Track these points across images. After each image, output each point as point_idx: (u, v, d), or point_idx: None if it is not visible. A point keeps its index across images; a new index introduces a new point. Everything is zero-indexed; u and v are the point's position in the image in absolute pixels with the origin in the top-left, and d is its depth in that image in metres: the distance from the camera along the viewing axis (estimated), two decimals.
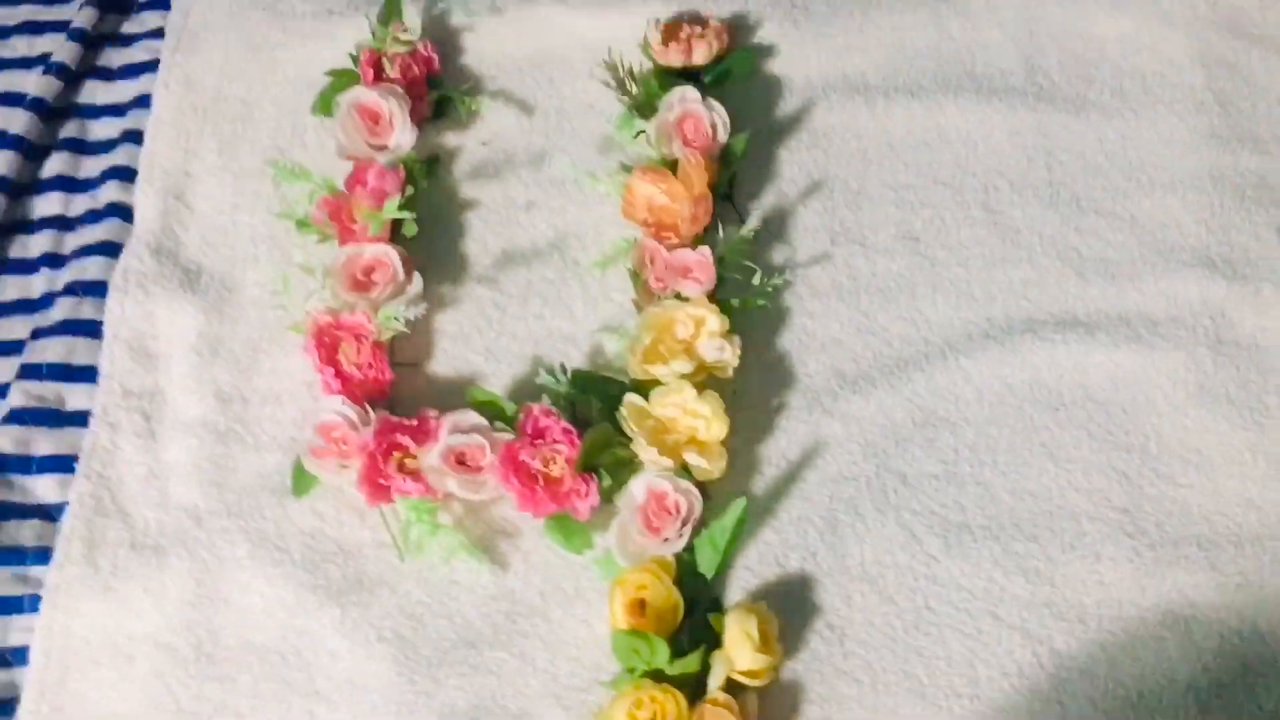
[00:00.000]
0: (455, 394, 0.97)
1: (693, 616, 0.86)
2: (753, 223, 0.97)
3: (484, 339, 0.99)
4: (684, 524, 0.87)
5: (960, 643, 0.86)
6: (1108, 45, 1.10)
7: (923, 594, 0.88)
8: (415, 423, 0.91)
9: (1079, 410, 0.94)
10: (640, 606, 0.84)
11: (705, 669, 0.84)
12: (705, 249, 0.96)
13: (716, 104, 1.02)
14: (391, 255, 0.97)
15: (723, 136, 1.01)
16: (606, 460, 0.91)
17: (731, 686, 0.83)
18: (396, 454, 0.90)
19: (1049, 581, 0.88)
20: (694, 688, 0.83)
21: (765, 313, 0.98)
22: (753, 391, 0.96)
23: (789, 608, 0.88)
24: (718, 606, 0.87)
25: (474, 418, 0.91)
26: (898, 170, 1.05)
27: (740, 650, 0.82)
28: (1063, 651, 0.85)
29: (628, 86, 1.04)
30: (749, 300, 0.96)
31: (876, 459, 0.93)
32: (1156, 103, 1.07)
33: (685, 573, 0.87)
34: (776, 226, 1.03)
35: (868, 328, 0.98)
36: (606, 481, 0.90)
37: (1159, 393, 0.94)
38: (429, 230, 1.02)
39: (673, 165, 1.01)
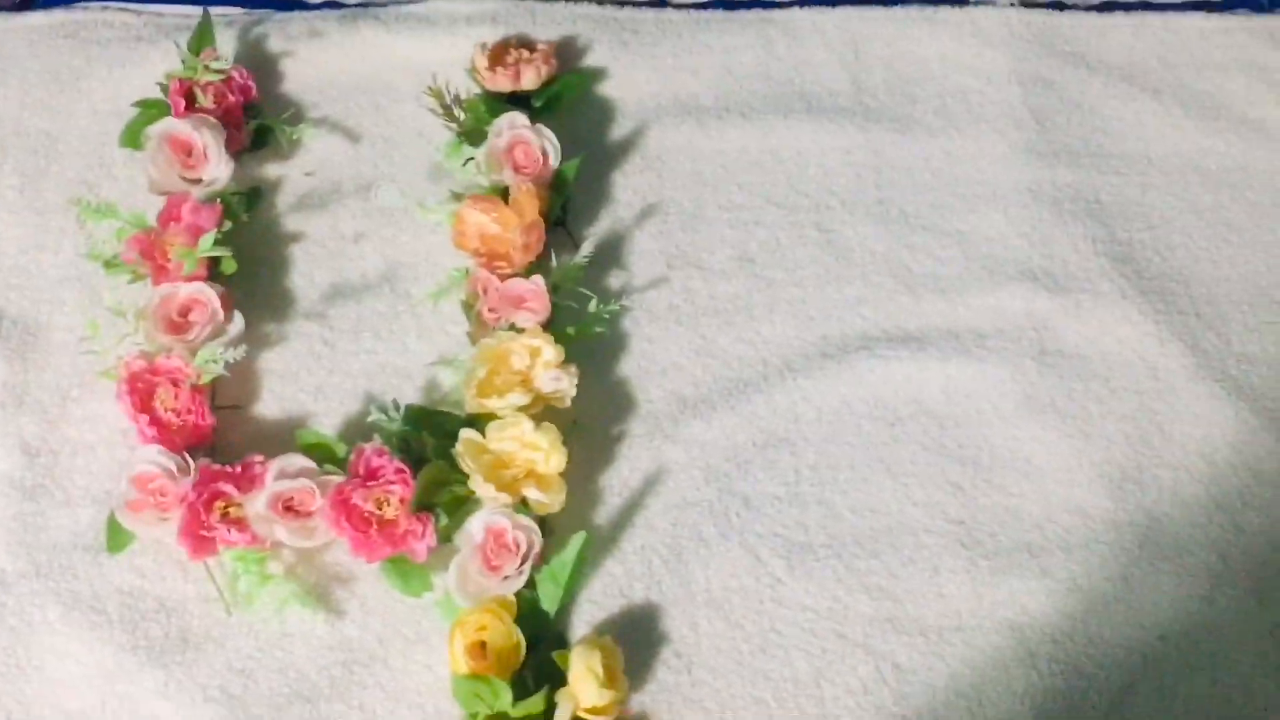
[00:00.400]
0: (285, 437, 0.92)
1: (537, 654, 0.84)
2: (586, 249, 0.95)
3: (313, 377, 0.96)
4: (524, 561, 0.85)
5: (807, 663, 0.86)
6: (930, 63, 1.13)
7: (769, 617, 0.88)
8: (239, 469, 0.87)
9: (914, 424, 0.95)
10: (481, 649, 0.82)
11: (551, 709, 0.82)
12: (538, 278, 0.94)
13: (545, 129, 1.00)
14: (208, 294, 0.93)
15: (554, 162, 1.00)
16: (443, 499, 0.88)
17: None
18: (219, 503, 0.86)
19: (891, 597, 0.89)
20: None
21: (603, 340, 0.97)
22: (593, 420, 0.94)
23: (635, 639, 0.86)
24: (563, 643, 0.85)
25: (301, 461, 0.88)
26: (732, 191, 1.05)
27: (585, 687, 0.80)
28: (905, 666, 0.86)
29: (454, 113, 1.02)
30: (585, 328, 0.95)
31: (719, 483, 0.92)
32: (978, 120, 1.10)
33: (527, 610, 0.85)
34: (612, 252, 1.01)
35: (707, 350, 0.98)
36: (444, 521, 0.87)
37: (988, 404, 0.96)
38: (251, 266, 0.98)
39: (504, 193, 0.99)
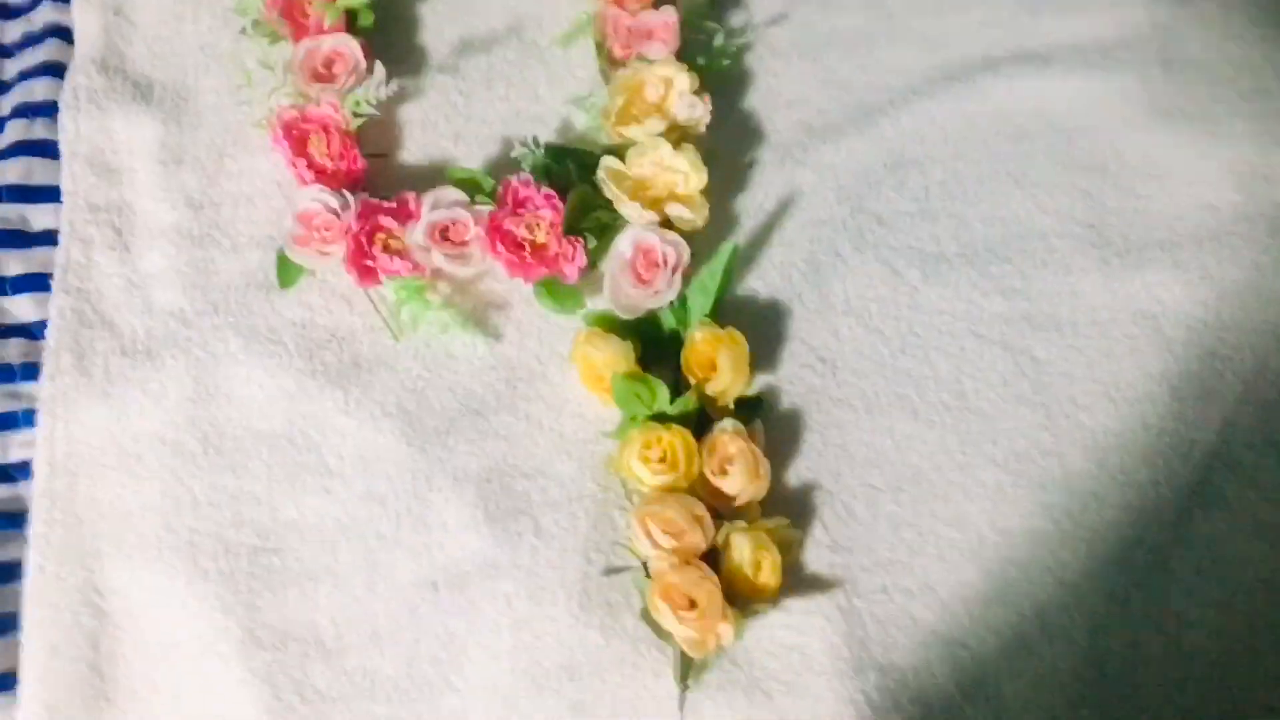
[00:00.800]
0: (429, 179, 0.96)
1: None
2: None
3: (451, 125, 0.99)
4: (674, 273, 0.89)
5: (946, 362, 0.90)
6: None
7: (906, 321, 0.91)
8: (395, 204, 0.91)
9: (1040, 138, 0.97)
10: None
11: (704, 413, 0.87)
12: (668, 9, 0.96)
13: None
14: (351, 44, 0.96)
15: None
16: (590, 224, 0.92)
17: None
18: (380, 235, 0.90)
19: (1025, 297, 0.92)
20: (695, 426, 0.86)
21: (729, 74, 0.99)
22: (724, 149, 0.97)
23: (779, 348, 0.90)
24: None
25: (454, 193, 0.92)
26: None
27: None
28: (1042, 359, 0.90)
29: None
30: (714, 61, 0.97)
31: (851, 202, 0.95)
32: None
33: (677, 321, 0.89)
34: None
35: (831, 81, 1.00)
36: (593, 243, 0.91)
37: (1115, 113, 0.97)
38: (383, 24, 1.01)
39: None
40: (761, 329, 0.91)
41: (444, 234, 0.90)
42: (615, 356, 0.86)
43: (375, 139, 0.98)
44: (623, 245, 0.89)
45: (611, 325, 0.89)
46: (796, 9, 1.02)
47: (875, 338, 0.91)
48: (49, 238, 0.95)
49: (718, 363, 0.86)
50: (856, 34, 1.01)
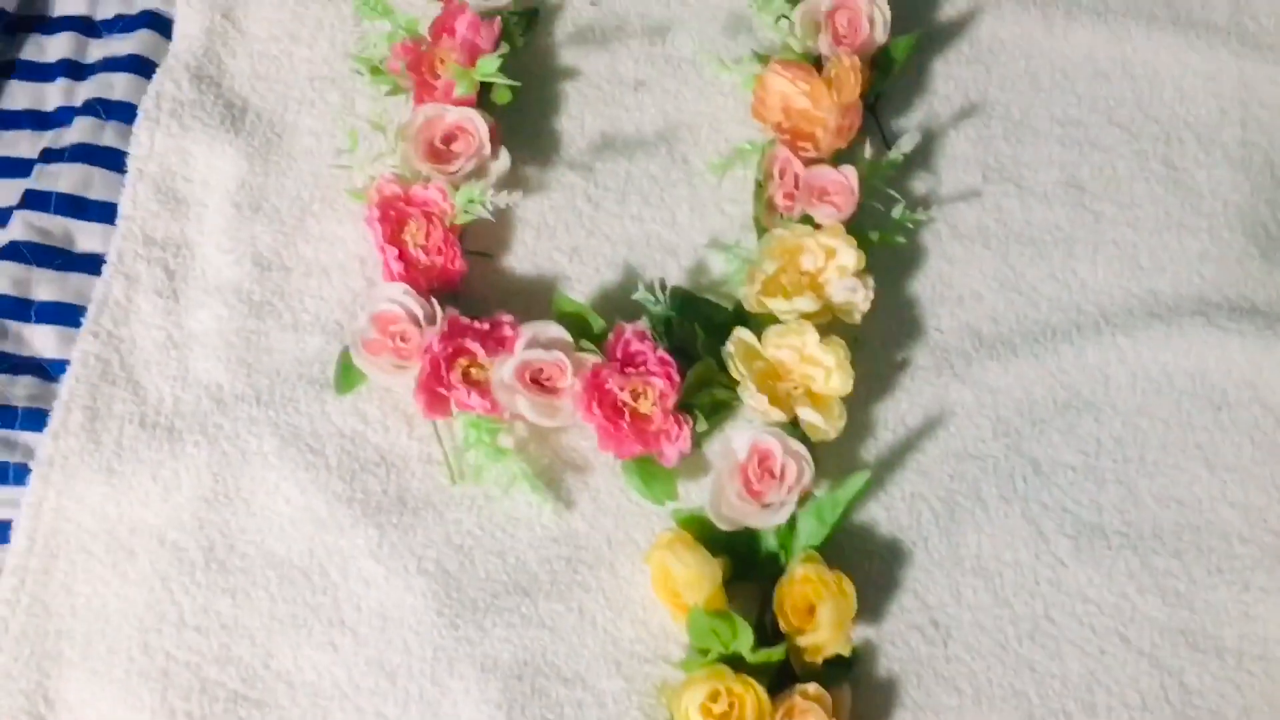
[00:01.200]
0: (531, 296, 0.83)
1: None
2: (907, 143, 0.82)
3: (571, 236, 0.85)
4: (790, 491, 0.75)
5: (1080, 662, 0.76)
6: None
7: (1044, 601, 0.77)
8: (487, 327, 0.78)
9: (1244, 413, 0.81)
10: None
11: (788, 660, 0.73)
12: (850, 169, 0.81)
13: None
14: (478, 123, 0.82)
15: (880, 36, 0.86)
16: (703, 400, 0.78)
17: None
18: (462, 361, 0.77)
19: (1188, 606, 0.77)
20: (774, 677, 0.73)
21: (899, 252, 0.85)
22: (874, 341, 0.83)
23: (888, 597, 0.77)
24: None
25: (555, 330, 0.78)
26: (1069, 103, 0.90)
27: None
28: (1193, 687, 0.75)
29: None
30: (887, 235, 0.82)
31: (1008, 439, 0.81)
32: None
33: (780, 544, 0.76)
34: (921, 151, 0.88)
35: (1014, 284, 0.85)
36: (701, 426, 0.78)
37: None
38: (518, 99, 0.87)
39: (815, 62, 0.86)
40: (872, 569, 0.77)
41: (535, 377, 0.77)
42: (699, 577, 0.72)
43: (481, 233, 0.84)
44: (738, 444, 0.76)
45: (703, 530, 0.75)
46: (992, 187, 0.88)
47: (1003, 611, 0.77)
48: (92, 264, 0.83)
49: (817, 614, 0.72)
50: (1055, 233, 0.86)
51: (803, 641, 0.73)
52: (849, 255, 0.79)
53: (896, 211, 0.82)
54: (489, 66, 0.81)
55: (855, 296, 0.79)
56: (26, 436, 0.78)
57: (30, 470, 0.77)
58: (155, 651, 0.74)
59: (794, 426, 0.77)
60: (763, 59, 0.86)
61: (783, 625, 0.73)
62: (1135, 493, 0.80)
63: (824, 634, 0.72)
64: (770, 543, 0.75)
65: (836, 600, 0.73)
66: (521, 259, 0.85)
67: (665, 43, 0.90)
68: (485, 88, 0.84)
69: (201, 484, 0.77)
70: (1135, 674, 0.75)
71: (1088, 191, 0.88)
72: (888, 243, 0.83)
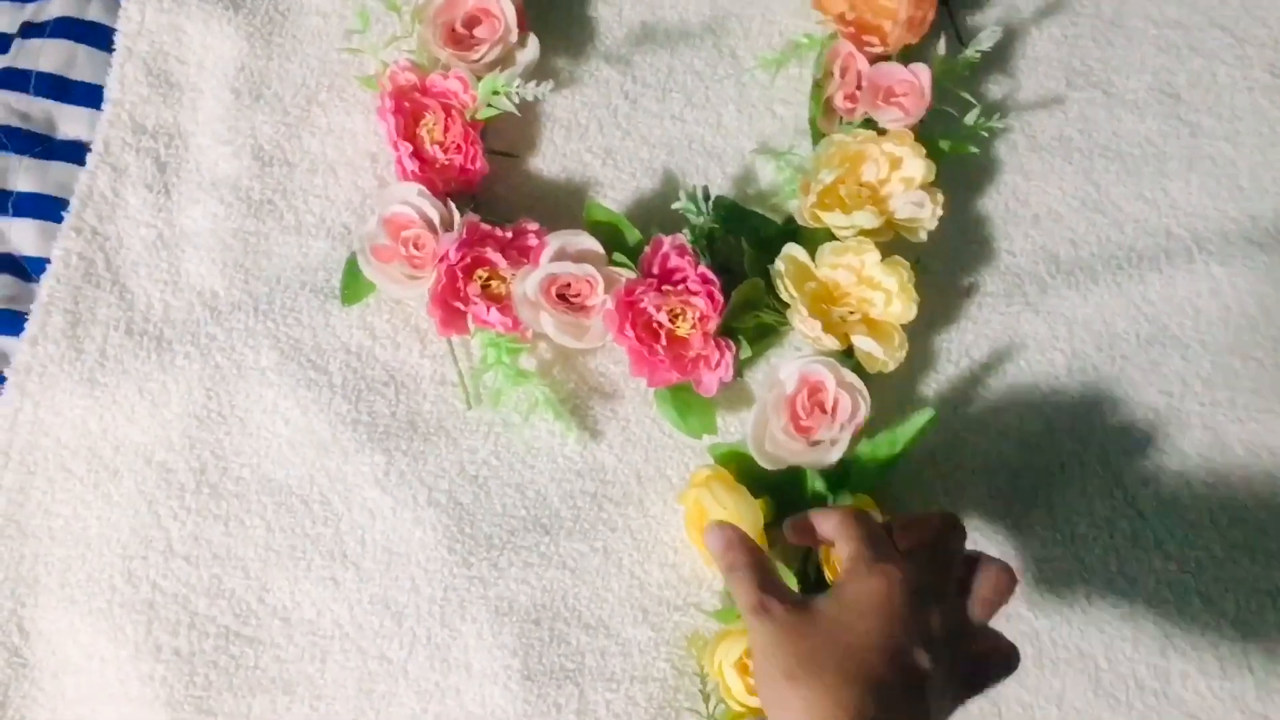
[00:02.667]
0: (559, 202, 0.75)
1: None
2: (986, 39, 0.73)
3: (605, 136, 0.77)
4: (843, 428, 0.67)
5: (1154, 624, 0.68)
6: None
7: (1117, 555, 0.70)
8: (510, 234, 0.70)
9: None
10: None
11: None
12: (920, 67, 0.72)
13: None
14: (504, 5, 0.73)
15: None
16: (746, 324, 0.70)
17: None
18: (481, 272, 0.69)
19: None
20: None
21: (969, 163, 0.76)
22: (938, 263, 0.74)
23: None
24: None
25: (587, 241, 0.70)
26: (1167, 1, 0.80)
27: None
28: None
29: None
30: (960, 144, 0.73)
31: (1084, 376, 0.73)
32: None
33: (827, 487, 0.68)
34: (999, 51, 0.78)
35: (1096, 203, 0.76)
36: (745, 353, 0.70)
37: None
38: None
39: None
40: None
41: (562, 293, 0.69)
42: (738, 519, 0.65)
43: (505, 131, 0.76)
44: (785, 374, 0.68)
45: (743, 468, 0.68)
46: (1076, 93, 0.78)
47: (1072, 565, 0.69)
48: (76, 151, 0.75)
49: None
50: (1145, 147, 0.77)
51: None
52: (917, 165, 0.71)
53: (970, 117, 0.73)
54: None
55: (922, 212, 0.70)
56: (2, 341, 0.71)
57: (4, 379, 0.70)
58: (140, 581, 0.67)
59: (847, 356, 0.70)
60: None
61: (828, 574, 0.66)
62: (1223, 439, 0.72)
63: None
64: (818, 484, 0.68)
65: None
66: (549, 160, 0.76)
67: None
68: None
69: (193, 399, 0.70)
70: (1216, 639, 0.68)
71: (1184, 101, 0.78)
72: (960, 152, 0.74)
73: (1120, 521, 0.70)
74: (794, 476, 0.68)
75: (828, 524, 0.59)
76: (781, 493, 0.68)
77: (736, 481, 0.67)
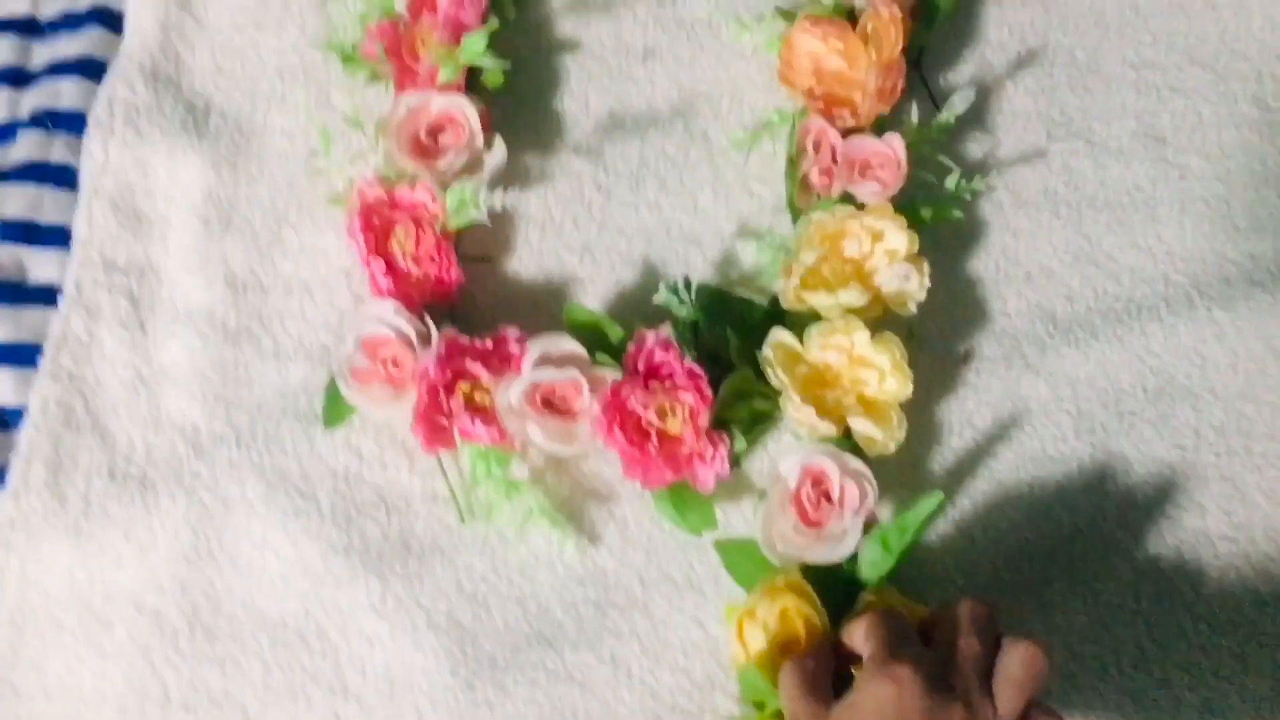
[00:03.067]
0: (539, 305, 0.73)
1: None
2: (960, 102, 0.71)
3: (580, 232, 0.75)
4: (853, 517, 0.65)
5: (1193, 692, 0.65)
6: None
7: (1144, 620, 0.67)
8: (490, 345, 0.69)
9: None
10: (784, 647, 0.63)
11: None
12: (895, 137, 0.71)
13: None
14: (468, 111, 0.72)
15: None
16: (739, 414, 0.68)
17: None
18: (464, 385, 0.67)
19: None
20: None
21: (954, 227, 0.74)
22: (932, 333, 0.72)
23: None
24: None
25: (568, 344, 0.68)
26: (1143, 42, 0.79)
27: None
28: None
29: None
30: (943, 210, 0.72)
31: (1092, 435, 0.70)
32: None
33: (835, 579, 0.66)
34: (975, 109, 0.76)
35: (1089, 255, 0.74)
36: (740, 445, 0.68)
37: None
38: (512, 79, 0.76)
39: (848, 14, 0.75)
40: (948, 599, 0.67)
41: (547, 399, 0.67)
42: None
43: (478, 236, 0.74)
44: (786, 468, 0.66)
45: (756, 564, 0.66)
46: (1058, 145, 0.76)
47: (1101, 634, 0.67)
48: (48, 296, 0.74)
49: None
50: (1134, 194, 0.75)
51: None
52: (899, 238, 0.69)
53: (951, 181, 0.72)
54: (475, 46, 0.70)
55: (909, 285, 0.69)
56: None
57: None
58: None
59: (846, 439, 0.68)
60: (788, 16, 0.75)
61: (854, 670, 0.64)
62: (1242, 489, 0.69)
63: None
64: (849, 569, 0.65)
65: None
66: (526, 262, 0.75)
67: (676, 4, 0.80)
68: (474, 70, 0.74)
69: (180, 540, 0.69)
70: (1256, 705, 0.65)
71: (1170, 144, 0.76)
72: (944, 218, 0.72)
73: (1145, 585, 0.67)
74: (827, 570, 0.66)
75: (858, 633, 0.58)
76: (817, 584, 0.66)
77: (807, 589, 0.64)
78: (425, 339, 0.68)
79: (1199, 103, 0.77)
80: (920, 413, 0.70)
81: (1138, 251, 0.74)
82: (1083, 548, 0.68)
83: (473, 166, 0.73)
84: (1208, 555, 0.68)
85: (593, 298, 0.74)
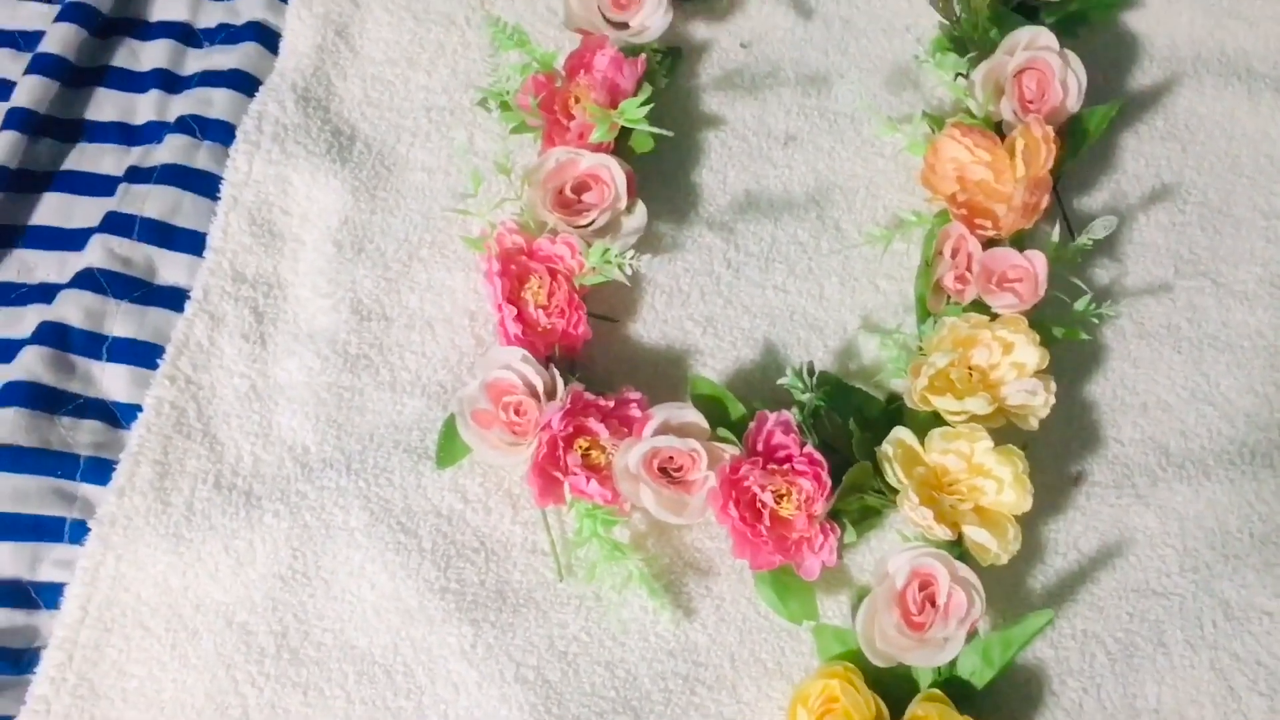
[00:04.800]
0: (660, 371, 0.74)
1: None
2: (1102, 227, 0.72)
3: (707, 304, 0.76)
4: (958, 625, 0.64)
5: None
6: None
7: None
8: (613, 404, 0.69)
9: None
10: None
11: None
12: (1037, 254, 0.71)
13: (1075, 58, 0.76)
14: (615, 172, 0.73)
15: (1073, 104, 0.76)
16: (851, 506, 0.68)
17: None
18: (582, 441, 0.68)
19: None
20: None
21: (1075, 349, 0.74)
22: (1044, 451, 0.72)
23: None
24: None
25: (691, 414, 0.68)
26: (1275, 193, 0.80)
27: None
28: None
29: (953, 6, 0.79)
30: (1072, 331, 0.72)
31: (1196, 575, 0.70)
32: None
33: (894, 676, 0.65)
34: (1106, 237, 0.78)
35: (1206, 394, 0.75)
36: (850, 537, 0.68)
37: None
38: (656, 147, 0.78)
39: (995, 127, 0.76)
40: (1034, 719, 0.67)
41: (664, 466, 0.67)
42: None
43: (606, 296, 0.75)
44: (894, 566, 0.65)
45: (845, 656, 0.66)
46: (1185, 282, 0.77)
47: None
48: (174, 297, 0.75)
49: None
50: (1255, 340, 0.76)
51: None
52: (1030, 352, 0.69)
53: (1081, 304, 0.72)
54: (633, 109, 0.71)
55: (1035, 400, 0.69)
56: (87, 489, 0.70)
57: (89, 529, 0.69)
58: None
59: (954, 546, 0.67)
60: (935, 121, 0.77)
61: None
62: None
63: None
64: (926, 682, 0.65)
65: None
66: (650, 326, 0.75)
67: (821, 94, 0.81)
68: (623, 133, 0.75)
69: (279, 559, 0.68)
70: None
71: None
72: (1071, 339, 0.72)
73: None
74: (903, 674, 0.66)
75: None
76: (887, 689, 0.65)
77: (862, 683, 0.64)
78: (551, 391, 0.68)
79: None
80: (1026, 529, 0.70)
81: (1255, 397, 0.75)
82: (1174, 685, 0.67)
83: (612, 228, 0.74)
84: None
85: (712, 371, 0.74)
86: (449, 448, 0.70)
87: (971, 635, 0.65)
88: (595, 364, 0.73)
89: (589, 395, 0.68)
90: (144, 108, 0.81)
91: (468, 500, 0.70)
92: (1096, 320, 0.74)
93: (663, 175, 0.79)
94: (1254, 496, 0.72)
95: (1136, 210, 0.79)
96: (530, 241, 0.72)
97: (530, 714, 0.66)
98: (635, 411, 0.69)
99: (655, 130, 0.73)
